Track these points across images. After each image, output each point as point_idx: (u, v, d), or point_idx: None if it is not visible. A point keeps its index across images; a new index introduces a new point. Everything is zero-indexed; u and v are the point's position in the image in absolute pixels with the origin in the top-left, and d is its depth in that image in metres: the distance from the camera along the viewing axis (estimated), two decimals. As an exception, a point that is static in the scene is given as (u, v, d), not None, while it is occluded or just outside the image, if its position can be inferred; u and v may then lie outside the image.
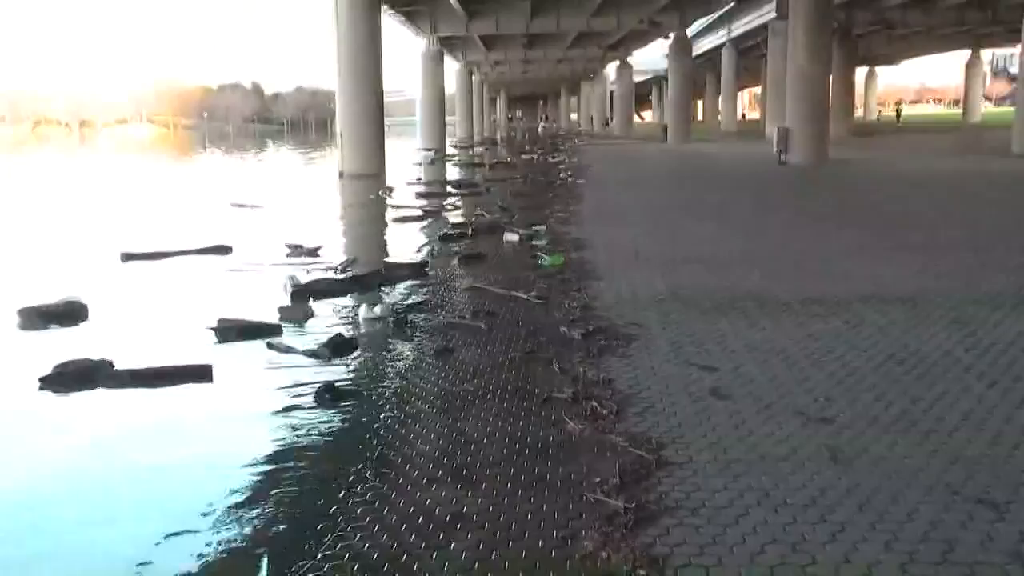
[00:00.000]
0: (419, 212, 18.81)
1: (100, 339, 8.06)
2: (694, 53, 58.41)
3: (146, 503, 4.87)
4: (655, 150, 43.58)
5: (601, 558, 3.85)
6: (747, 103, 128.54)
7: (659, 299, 9.06)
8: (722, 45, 67.88)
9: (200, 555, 4.15)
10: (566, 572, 3.76)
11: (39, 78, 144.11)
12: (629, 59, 72.25)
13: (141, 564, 4.09)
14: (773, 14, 45.05)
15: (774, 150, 29.11)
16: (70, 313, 8.95)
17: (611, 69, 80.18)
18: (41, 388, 6.74)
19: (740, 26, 60.64)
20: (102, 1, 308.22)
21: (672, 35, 51.52)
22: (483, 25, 49.35)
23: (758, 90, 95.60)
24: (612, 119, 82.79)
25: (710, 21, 64.92)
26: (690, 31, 54.76)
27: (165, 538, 4.33)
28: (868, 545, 3.86)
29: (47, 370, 6.87)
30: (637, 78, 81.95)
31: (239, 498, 4.75)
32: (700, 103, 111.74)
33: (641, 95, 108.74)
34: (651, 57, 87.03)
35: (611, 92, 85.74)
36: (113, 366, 7.02)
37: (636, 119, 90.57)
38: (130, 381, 6.87)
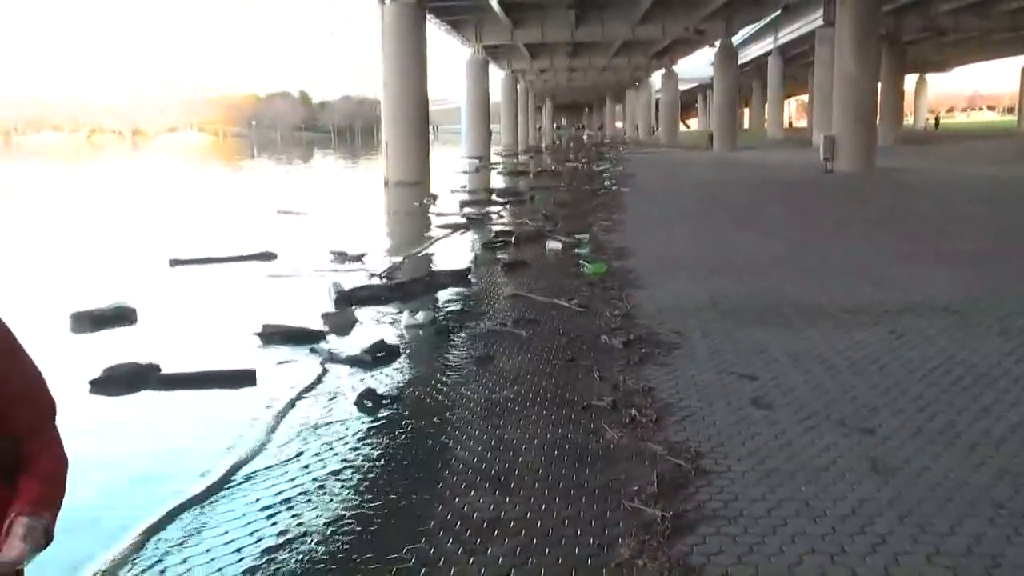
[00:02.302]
0: (463, 220, 18.89)
1: (149, 343, 8.19)
2: (740, 61, 58.16)
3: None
4: (701, 158, 43.39)
5: (637, 566, 3.84)
6: (794, 111, 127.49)
7: (701, 307, 9.04)
8: (768, 53, 67.46)
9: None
10: (602, 579, 3.76)
11: (94, 88, 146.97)
12: (674, 67, 72.04)
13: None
14: (820, 22, 44.72)
15: (821, 158, 28.83)
16: (120, 317, 9.12)
17: (656, 77, 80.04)
18: (91, 391, 6.87)
19: (787, 34, 60.22)
20: (154, 12, 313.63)
21: (718, 43, 51.29)
22: (528, 33, 49.59)
23: (805, 98, 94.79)
24: (657, 127, 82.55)
25: (756, 29, 64.62)
26: (736, 39, 54.50)
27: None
28: (910, 558, 3.81)
29: (97, 373, 7.00)
30: (683, 86, 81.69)
31: (274, 500, 4.81)
32: (746, 111, 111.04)
33: (687, 103, 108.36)
34: (697, 65, 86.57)
35: (656, 100, 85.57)
36: (160, 370, 7.14)
37: (682, 127, 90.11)
38: (177, 385, 6.98)
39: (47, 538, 1.89)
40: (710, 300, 9.40)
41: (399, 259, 13.49)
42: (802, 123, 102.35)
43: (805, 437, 5.27)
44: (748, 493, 4.51)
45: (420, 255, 14.48)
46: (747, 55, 70.67)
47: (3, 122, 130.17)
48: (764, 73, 72.52)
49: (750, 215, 17.97)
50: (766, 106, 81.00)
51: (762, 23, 59.43)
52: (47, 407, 2.07)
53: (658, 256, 12.63)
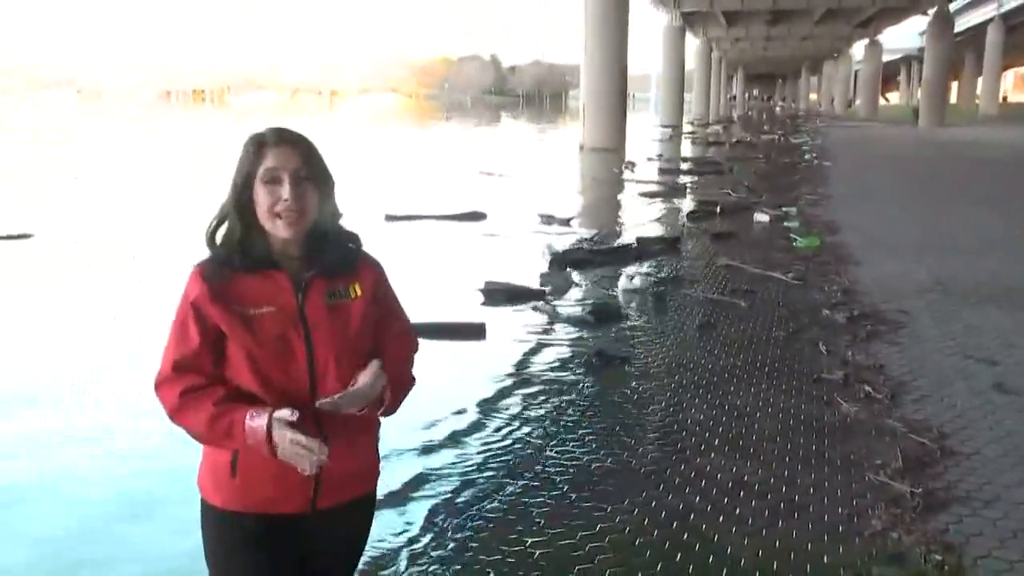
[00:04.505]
0: (663, 188, 18.81)
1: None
2: (955, 30, 54.71)
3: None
4: (905, 134, 41.36)
5: (891, 538, 3.84)
6: (1010, 84, 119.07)
7: (924, 286, 8.77)
8: (988, 21, 63.22)
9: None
10: (855, 548, 3.78)
11: (297, 50, 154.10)
12: (879, 37, 68.66)
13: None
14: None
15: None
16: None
17: (858, 47, 76.58)
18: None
19: (1014, -1, 56.23)
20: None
21: (932, 11, 48.47)
22: (728, 0, 48.42)
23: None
24: (856, 100, 79.08)
25: (976, -5, 60.68)
26: (952, 6, 51.30)
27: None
28: None
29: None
30: (885, 57, 77.72)
31: (517, 446, 5.05)
32: (954, 84, 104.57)
33: (887, 75, 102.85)
34: (902, 35, 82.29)
35: (855, 72, 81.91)
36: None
37: (880, 101, 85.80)
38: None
39: (382, 399, 2.13)
40: (933, 279, 9.11)
41: (607, 224, 13.64)
42: (1020, 97, 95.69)
43: (1060, 427, 5.08)
44: (1002, 478, 4.41)
45: (627, 221, 14.56)
46: (963, 23, 66.43)
47: (218, 83, 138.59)
48: (980, 43, 68.07)
49: (967, 194, 17.11)
50: (979, 79, 76.01)
51: (983, -11, 55.85)
52: (412, 339, 2.39)
53: (871, 232, 12.26)
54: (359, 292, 2.17)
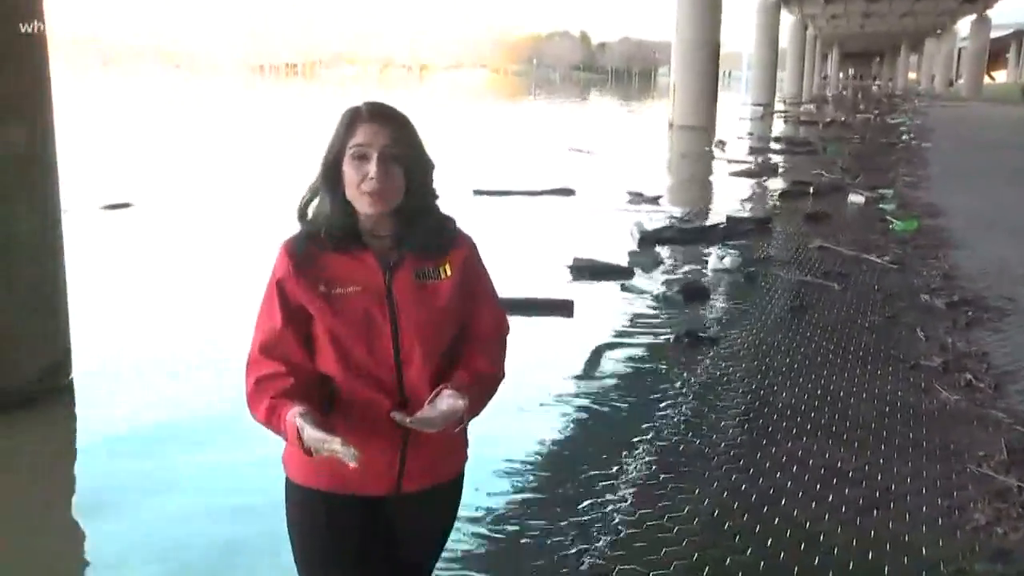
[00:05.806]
0: (754, 167, 18.45)
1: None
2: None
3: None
4: (1012, 114, 39.79)
5: (996, 534, 3.70)
6: None
7: (1033, 274, 8.44)
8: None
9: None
10: (957, 542, 3.66)
11: (386, 25, 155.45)
12: (988, 12, 65.98)
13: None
14: None
15: None
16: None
17: (962, 24, 73.77)
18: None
19: None
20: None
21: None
22: (827, -25, 47.11)
23: None
24: (958, 79, 76.35)
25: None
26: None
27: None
28: None
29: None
30: (994, 33, 74.65)
31: (606, 425, 5.02)
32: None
33: (993, 52, 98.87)
34: (1014, 8, 78.96)
35: (959, 49, 79.03)
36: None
37: (985, 80, 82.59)
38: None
39: (460, 419, 2.01)
40: (1042, 266, 8.77)
41: (697, 203, 13.45)
42: None
43: None
44: (1121, 477, 4.21)
45: (716, 200, 14.35)
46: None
47: (309, 58, 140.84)
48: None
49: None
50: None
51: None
52: (502, 321, 2.27)
53: (974, 216, 11.85)
54: (448, 273, 2.10)
